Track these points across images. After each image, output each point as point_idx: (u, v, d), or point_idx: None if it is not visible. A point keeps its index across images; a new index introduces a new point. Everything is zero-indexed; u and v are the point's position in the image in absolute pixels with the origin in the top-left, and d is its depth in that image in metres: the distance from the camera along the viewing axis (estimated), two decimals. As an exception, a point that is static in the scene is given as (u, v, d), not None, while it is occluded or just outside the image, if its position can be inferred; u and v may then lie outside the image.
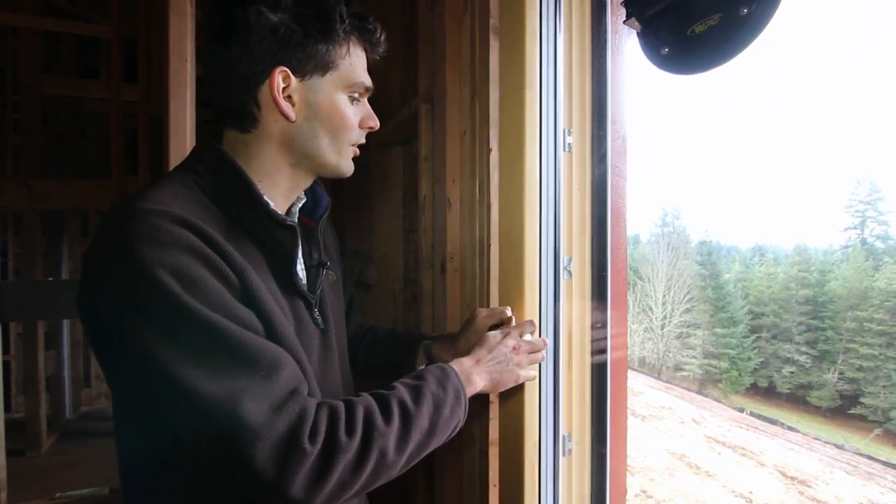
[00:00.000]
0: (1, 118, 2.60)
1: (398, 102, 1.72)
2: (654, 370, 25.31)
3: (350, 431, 0.56)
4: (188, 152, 0.71)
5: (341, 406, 0.58)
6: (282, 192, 0.70)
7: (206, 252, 0.55)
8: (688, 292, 26.28)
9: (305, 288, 0.71)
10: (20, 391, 3.73)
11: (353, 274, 1.98)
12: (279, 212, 0.66)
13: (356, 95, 0.69)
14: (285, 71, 0.62)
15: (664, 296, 26.70)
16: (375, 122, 0.73)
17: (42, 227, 3.56)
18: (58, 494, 2.70)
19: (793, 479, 8.16)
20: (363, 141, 0.73)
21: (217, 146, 0.65)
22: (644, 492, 7.21)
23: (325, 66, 0.64)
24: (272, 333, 0.59)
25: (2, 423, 2.55)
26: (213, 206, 0.62)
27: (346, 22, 0.65)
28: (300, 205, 0.75)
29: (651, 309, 26.83)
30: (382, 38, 0.71)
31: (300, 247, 0.71)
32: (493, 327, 0.84)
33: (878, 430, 18.07)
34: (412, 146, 1.64)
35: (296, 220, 0.74)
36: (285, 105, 0.63)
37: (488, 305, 0.97)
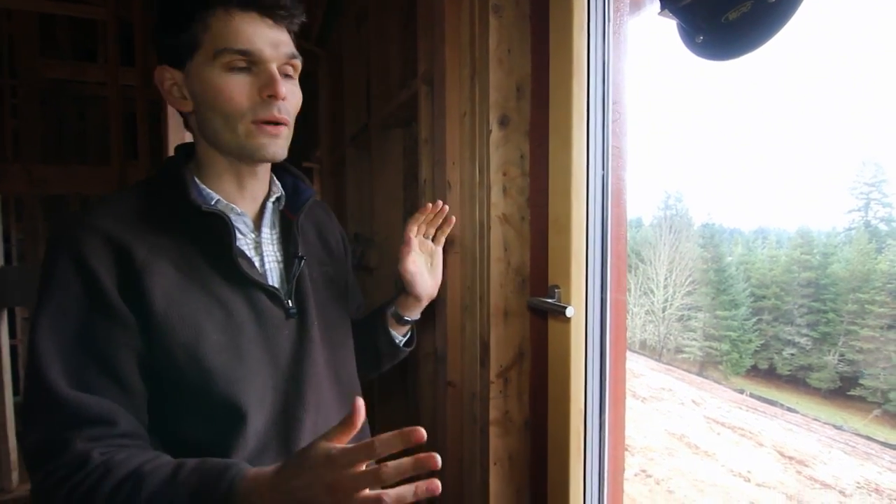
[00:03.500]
0: (-1, 103, 2.60)
1: (397, 84, 1.70)
2: (654, 352, 25.46)
3: (72, 491, 0.55)
4: (186, 137, 0.72)
5: (91, 462, 0.56)
6: (232, 185, 0.70)
7: (91, 266, 0.59)
8: (689, 275, 26.30)
9: (266, 278, 0.70)
10: (27, 375, 3.78)
11: (355, 257, 1.99)
12: (206, 200, 0.68)
13: (237, 64, 0.63)
14: (163, 67, 0.66)
15: (666, 279, 26.72)
16: (273, 89, 0.64)
17: (44, 212, 3.56)
18: (67, 475, 2.76)
19: (791, 458, 8.26)
20: (275, 113, 0.66)
21: (177, 158, 0.70)
22: (643, 471, 7.32)
23: (190, 48, 0.64)
24: (162, 334, 0.61)
25: (11, 406, 2.60)
26: (147, 207, 0.66)
27: None
28: (273, 198, 0.75)
29: (653, 292, 26.88)
30: None
31: (259, 238, 0.72)
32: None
33: (877, 412, 18.23)
34: (412, 128, 1.62)
35: (255, 213, 0.74)
36: (177, 101, 0.67)
37: (488, 287, 0.97)
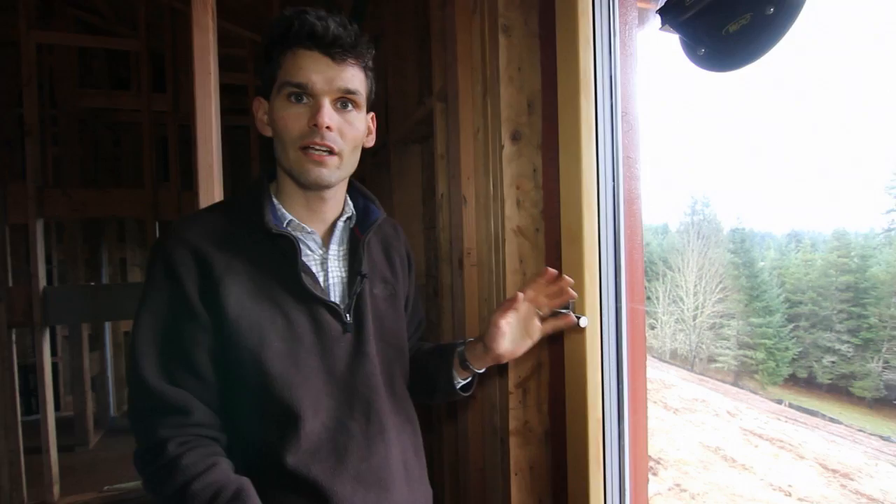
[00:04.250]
0: (41, 132, 2.75)
1: (414, 101, 1.75)
2: (686, 362, 24.75)
3: (153, 474, 0.67)
4: (214, 159, 0.79)
5: (167, 454, 0.66)
6: (302, 206, 0.77)
7: (179, 273, 0.68)
8: (720, 281, 25.57)
9: (328, 294, 0.75)
10: (68, 391, 3.93)
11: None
12: (293, 221, 0.75)
13: (293, 94, 0.70)
14: (259, 99, 0.76)
15: (695, 286, 26.04)
16: (316, 119, 0.69)
17: (83, 234, 3.73)
18: (105, 487, 2.85)
19: (834, 471, 7.88)
20: (319, 141, 0.70)
21: (261, 177, 0.78)
22: (678, 485, 7.10)
23: (271, 82, 0.73)
24: (233, 335, 0.68)
25: (53, 421, 2.71)
26: (227, 225, 0.74)
27: (277, 39, 0.71)
28: (345, 217, 0.80)
29: (682, 299, 26.22)
30: (317, 30, 0.69)
31: (326, 255, 0.78)
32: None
33: (927, 421, 17.24)
34: (429, 144, 1.66)
35: (324, 232, 0.79)
36: (262, 125, 0.76)
37: (504, 297, 0.99)
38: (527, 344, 0.82)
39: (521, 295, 0.80)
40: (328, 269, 0.77)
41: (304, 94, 0.70)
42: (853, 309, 22.08)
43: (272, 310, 0.70)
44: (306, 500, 0.69)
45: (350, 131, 0.73)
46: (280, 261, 0.72)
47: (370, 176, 2.41)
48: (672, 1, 0.67)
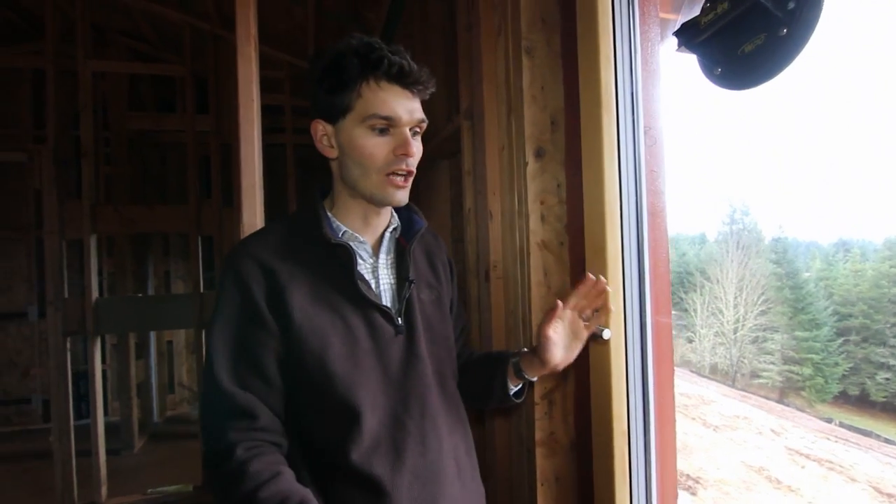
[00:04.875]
0: (95, 153, 2.95)
1: (443, 119, 1.80)
2: (727, 377, 23.79)
3: (220, 478, 0.71)
4: (256, 180, 0.86)
5: (236, 459, 0.70)
6: (359, 219, 0.83)
7: (248, 283, 0.74)
8: (762, 293, 24.57)
9: (381, 298, 0.81)
10: (115, 397, 4.12)
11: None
12: (347, 231, 0.82)
13: (379, 126, 0.76)
14: (321, 122, 0.80)
15: (735, 298, 25.10)
16: (407, 150, 0.76)
17: (131, 248, 3.95)
18: (149, 490, 2.98)
19: (890, 496, 7.40)
20: (405, 167, 0.77)
21: (317, 197, 0.85)
22: (718, 506, 6.81)
23: (344, 110, 0.77)
24: (299, 340, 0.74)
25: (102, 425, 2.86)
26: (289, 237, 0.81)
27: (355, 70, 0.75)
28: (391, 228, 0.86)
29: (721, 312, 25.30)
30: (405, 68, 0.75)
31: (376, 263, 0.83)
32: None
33: None
34: (457, 160, 1.71)
35: (374, 242, 0.85)
36: (325, 148, 0.81)
37: (530, 310, 1.01)
38: (577, 346, 0.85)
39: (560, 303, 0.82)
40: (378, 276, 0.83)
41: (390, 126, 0.76)
42: (909, 322, 20.82)
43: (332, 315, 0.76)
44: (368, 494, 0.73)
45: (419, 155, 0.81)
46: (337, 269, 0.78)
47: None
48: (688, 23, 0.69)
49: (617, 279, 0.89)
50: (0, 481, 2.86)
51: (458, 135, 1.45)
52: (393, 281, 0.85)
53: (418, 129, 0.80)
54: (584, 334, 0.85)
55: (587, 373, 0.96)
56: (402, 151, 0.76)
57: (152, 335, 4.18)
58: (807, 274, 25.46)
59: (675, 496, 1.04)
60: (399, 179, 0.78)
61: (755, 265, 25.23)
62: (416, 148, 0.79)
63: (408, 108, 0.77)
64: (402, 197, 0.80)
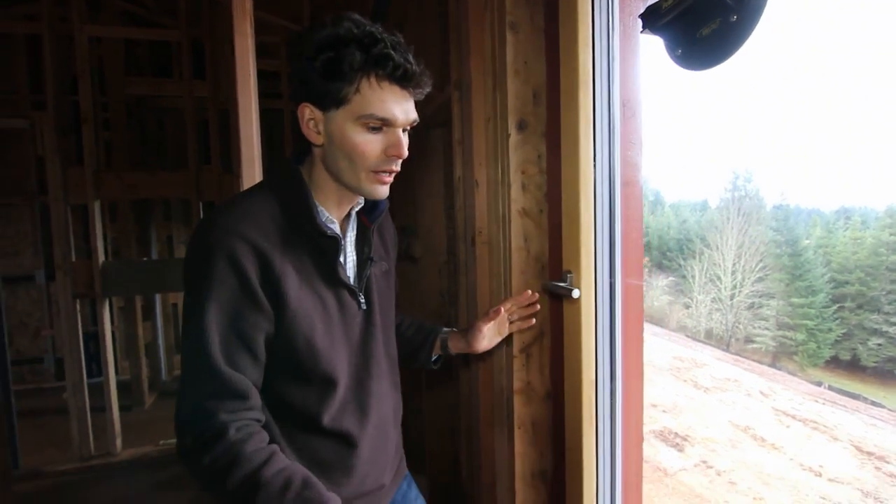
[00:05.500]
0: (94, 118, 2.97)
1: (436, 88, 1.83)
2: (721, 342, 24.22)
3: (212, 462, 0.70)
4: (255, 151, 0.89)
5: (228, 439, 0.71)
6: (333, 202, 0.84)
7: (244, 268, 0.73)
8: (760, 260, 24.72)
9: (351, 279, 0.87)
10: (124, 357, 4.28)
11: (401, 248, 2.15)
12: (328, 217, 0.82)
13: (373, 125, 0.75)
14: (309, 106, 0.77)
15: (734, 265, 25.27)
16: (398, 151, 0.77)
17: (133, 213, 4.01)
18: (161, 442, 3.16)
19: (870, 454, 7.71)
20: (393, 168, 0.79)
21: (295, 167, 0.83)
22: (704, 462, 7.11)
23: (338, 102, 0.75)
24: (292, 325, 0.77)
25: (114, 384, 3.00)
26: (281, 218, 0.79)
27: (357, 63, 0.72)
28: (358, 208, 0.89)
29: (719, 278, 25.52)
30: (408, 71, 0.74)
31: (348, 243, 0.88)
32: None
33: (980, 407, 16.45)
34: (449, 129, 1.76)
35: (341, 220, 0.87)
36: (311, 133, 0.78)
37: (510, 273, 1.09)
38: (498, 339, 1.09)
39: (502, 309, 1.03)
40: (346, 254, 0.88)
41: (384, 125, 0.76)
42: (904, 290, 21.04)
43: (314, 297, 0.80)
44: (340, 445, 0.85)
45: (406, 154, 0.81)
46: (320, 254, 0.81)
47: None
48: (651, 7, 0.74)
49: (589, 243, 0.97)
50: (21, 434, 3.03)
51: (449, 105, 1.50)
52: (355, 258, 0.90)
53: (410, 128, 0.80)
54: (506, 332, 1.09)
55: (561, 329, 1.05)
56: (394, 153, 0.77)
57: (158, 298, 4.30)
58: (806, 241, 25.52)
59: (640, 440, 1.15)
60: (385, 176, 0.79)
61: (755, 232, 25.26)
62: (406, 149, 0.79)
63: (404, 108, 0.76)
64: (385, 192, 0.81)
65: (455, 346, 1.08)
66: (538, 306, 1.08)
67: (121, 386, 3.15)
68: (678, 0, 0.68)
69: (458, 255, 1.52)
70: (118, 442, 3.03)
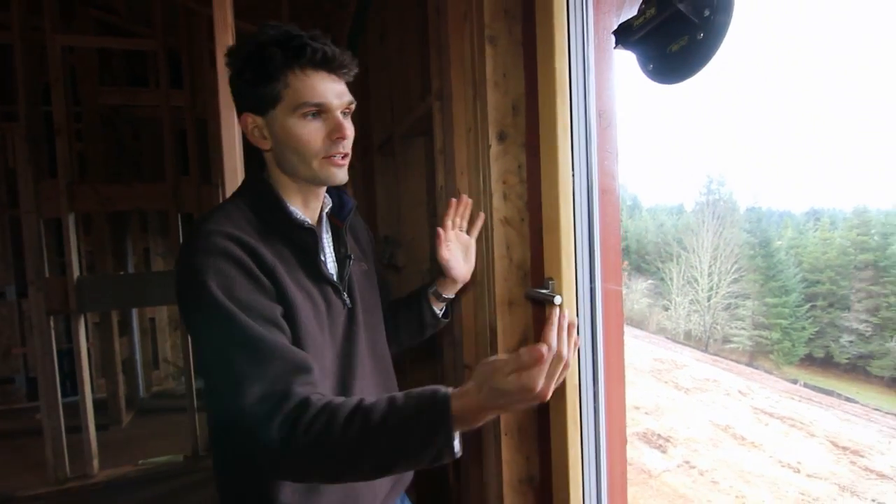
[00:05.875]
0: (67, 129, 2.91)
1: (417, 96, 1.85)
2: (700, 343, 24.69)
3: (308, 428, 0.64)
4: (238, 161, 0.89)
5: (315, 404, 0.66)
6: (301, 201, 0.86)
7: (241, 259, 0.73)
8: (735, 262, 25.35)
9: (333, 276, 0.88)
10: (100, 374, 4.17)
11: (384, 257, 2.16)
12: (301, 217, 0.84)
13: (311, 112, 0.78)
14: (249, 115, 0.81)
15: (710, 266, 25.85)
16: (342, 132, 0.79)
17: (109, 226, 3.93)
18: (140, 461, 3.08)
19: (845, 449, 7.95)
20: (342, 150, 0.81)
21: (262, 174, 0.86)
22: (687, 462, 7.24)
23: (272, 102, 0.78)
24: (293, 316, 0.76)
25: (90, 403, 2.92)
26: (256, 220, 0.80)
27: (279, 61, 0.75)
28: (327, 209, 0.92)
29: (696, 280, 26.06)
30: (328, 53, 0.77)
31: (325, 243, 0.89)
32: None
33: (946, 400, 17.06)
34: (431, 137, 1.77)
35: (315, 223, 0.89)
36: (258, 140, 0.82)
37: (494, 281, 1.11)
38: (472, 253, 1.11)
39: (440, 231, 1.04)
40: (325, 254, 0.89)
41: (321, 111, 0.79)
42: (872, 288, 21.79)
43: (303, 293, 0.80)
44: None
45: (352, 136, 0.84)
46: (301, 250, 0.83)
47: (379, 166, 2.53)
48: (624, 24, 0.77)
49: (569, 251, 0.99)
50: (-9, 457, 2.93)
51: (430, 114, 1.51)
52: (334, 260, 0.91)
53: (348, 111, 0.82)
54: (471, 242, 1.10)
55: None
56: (337, 135, 0.79)
57: (134, 313, 4.21)
58: (778, 242, 26.28)
59: (624, 442, 1.17)
60: (337, 159, 0.81)
61: (729, 234, 25.92)
62: (350, 130, 0.81)
63: (336, 91, 0.79)
64: (344, 175, 0.83)
65: (445, 288, 1.11)
66: (470, 201, 1.09)
67: (97, 404, 3.07)
68: (648, 18, 0.71)
69: (441, 263, 1.53)
70: (95, 463, 2.95)
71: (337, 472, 0.67)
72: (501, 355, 0.64)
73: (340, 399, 0.67)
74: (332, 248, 0.92)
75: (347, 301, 0.90)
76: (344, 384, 0.87)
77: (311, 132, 0.79)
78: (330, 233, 0.93)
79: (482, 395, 0.63)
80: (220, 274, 0.71)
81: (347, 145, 0.82)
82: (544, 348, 0.59)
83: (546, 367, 0.60)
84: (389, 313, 1.12)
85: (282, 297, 0.76)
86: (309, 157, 0.80)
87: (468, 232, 1.11)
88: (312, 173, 0.81)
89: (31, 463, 3.08)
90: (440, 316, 1.13)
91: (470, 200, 1.09)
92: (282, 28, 0.77)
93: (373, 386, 0.93)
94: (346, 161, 0.83)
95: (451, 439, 0.64)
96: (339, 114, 0.80)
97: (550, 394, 0.62)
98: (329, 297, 0.86)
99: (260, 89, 0.78)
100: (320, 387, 0.72)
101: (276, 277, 0.76)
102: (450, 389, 0.66)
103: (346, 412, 0.64)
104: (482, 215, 1.09)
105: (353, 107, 0.83)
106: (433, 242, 1.89)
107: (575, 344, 0.64)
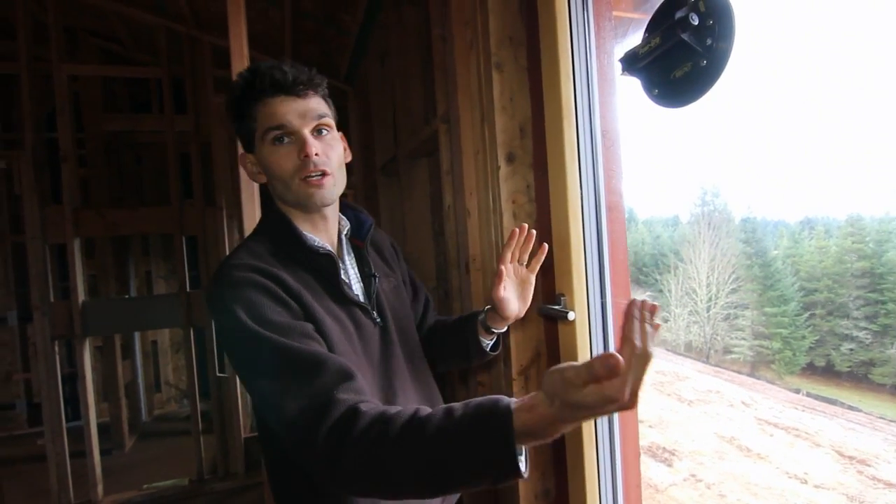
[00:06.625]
0: (72, 156, 2.95)
1: (420, 118, 1.90)
2: (701, 354, 24.62)
3: (361, 438, 0.61)
4: (255, 191, 0.92)
5: (367, 413, 0.63)
6: (311, 227, 0.88)
7: (266, 285, 0.75)
8: (733, 272, 25.41)
9: (360, 297, 0.89)
10: (102, 398, 4.14)
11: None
12: (319, 243, 0.86)
13: (275, 137, 0.80)
14: (246, 155, 0.88)
15: (708, 277, 25.90)
16: (306, 150, 0.79)
17: (112, 249, 3.95)
18: (145, 486, 3.05)
19: (851, 458, 7.89)
20: (315, 168, 0.80)
21: (274, 207, 0.89)
22: (693, 476, 7.16)
23: (252, 136, 0.84)
24: (325, 338, 0.77)
25: (95, 424, 2.91)
26: (276, 251, 0.83)
27: (246, 98, 0.81)
28: (346, 230, 0.94)
29: (695, 291, 26.09)
30: (276, 76, 0.79)
31: (348, 265, 0.91)
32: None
33: (950, 406, 17.00)
34: (436, 158, 1.81)
35: (334, 246, 0.91)
36: (255, 175, 0.88)
37: (506, 298, 1.13)
38: (529, 289, 0.99)
39: (502, 268, 0.96)
40: (350, 277, 0.91)
41: (285, 134, 0.80)
42: (870, 295, 21.85)
43: (331, 317, 0.80)
44: None
45: (333, 152, 0.84)
46: (323, 275, 0.84)
47: (382, 187, 2.57)
48: (630, 52, 0.81)
49: (580, 268, 1.02)
50: (-6, 485, 2.90)
51: (436, 137, 1.55)
52: (359, 279, 0.93)
53: (324, 128, 0.83)
54: (531, 277, 0.98)
55: (557, 351, 1.09)
56: (303, 154, 0.79)
57: (136, 335, 4.20)
58: (775, 252, 26.39)
59: (637, 455, 1.19)
60: (313, 179, 0.81)
61: (726, 245, 26.03)
62: (321, 146, 0.81)
63: (298, 111, 0.80)
64: (323, 195, 0.82)
65: (496, 323, 1.01)
66: (533, 232, 0.97)
67: (99, 429, 3.05)
68: (654, 47, 0.75)
69: (450, 280, 1.55)
70: (99, 489, 2.92)
71: (393, 484, 0.62)
72: (570, 362, 0.55)
73: (396, 408, 0.64)
74: (356, 269, 0.94)
75: (378, 319, 0.91)
76: (387, 402, 0.87)
77: (282, 156, 0.81)
78: (352, 254, 0.95)
79: (554, 408, 0.53)
80: (248, 303, 0.72)
81: (322, 162, 0.81)
82: (620, 358, 0.49)
83: (630, 374, 0.49)
84: (437, 332, 1.10)
85: (311, 320, 0.77)
86: (286, 180, 0.82)
87: (528, 266, 1.00)
88: (295, 197, 0.83)
89: (34, 490, 3.05)
90: (487, 348, 1.05)
91: (533, 232, 0.97)
92: (251, 67, 0.83)
93: (416, 401, 0.92)
94: (327, 180, 0.82)
95: (514, 456, 0.55)
96: (306, 132, 0.80)
97: (638, 399, 0.51)
98: (357, 318, 0.87)
99: (242, 129, 0.84)
100: (367, 394, 0.70)
101: (303, 301, 0.77)
102: (513, 401, 0.58)
103: (401, 422, 0.61)
104: (545, 246, 0.99)
105: (326, 120, 0.83)
106: (439, 260, 1.92)
107: (655, 328, 0.52)
